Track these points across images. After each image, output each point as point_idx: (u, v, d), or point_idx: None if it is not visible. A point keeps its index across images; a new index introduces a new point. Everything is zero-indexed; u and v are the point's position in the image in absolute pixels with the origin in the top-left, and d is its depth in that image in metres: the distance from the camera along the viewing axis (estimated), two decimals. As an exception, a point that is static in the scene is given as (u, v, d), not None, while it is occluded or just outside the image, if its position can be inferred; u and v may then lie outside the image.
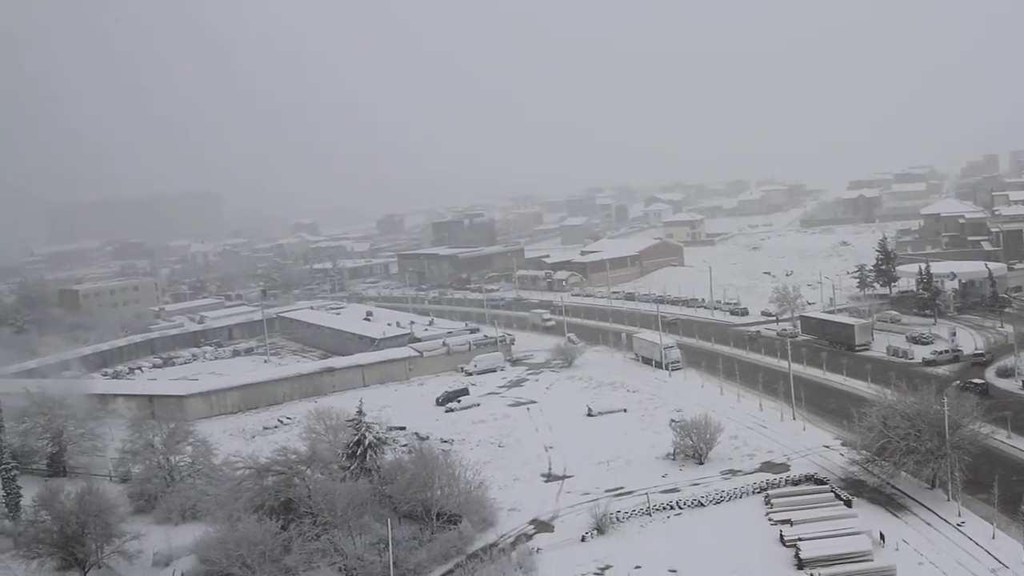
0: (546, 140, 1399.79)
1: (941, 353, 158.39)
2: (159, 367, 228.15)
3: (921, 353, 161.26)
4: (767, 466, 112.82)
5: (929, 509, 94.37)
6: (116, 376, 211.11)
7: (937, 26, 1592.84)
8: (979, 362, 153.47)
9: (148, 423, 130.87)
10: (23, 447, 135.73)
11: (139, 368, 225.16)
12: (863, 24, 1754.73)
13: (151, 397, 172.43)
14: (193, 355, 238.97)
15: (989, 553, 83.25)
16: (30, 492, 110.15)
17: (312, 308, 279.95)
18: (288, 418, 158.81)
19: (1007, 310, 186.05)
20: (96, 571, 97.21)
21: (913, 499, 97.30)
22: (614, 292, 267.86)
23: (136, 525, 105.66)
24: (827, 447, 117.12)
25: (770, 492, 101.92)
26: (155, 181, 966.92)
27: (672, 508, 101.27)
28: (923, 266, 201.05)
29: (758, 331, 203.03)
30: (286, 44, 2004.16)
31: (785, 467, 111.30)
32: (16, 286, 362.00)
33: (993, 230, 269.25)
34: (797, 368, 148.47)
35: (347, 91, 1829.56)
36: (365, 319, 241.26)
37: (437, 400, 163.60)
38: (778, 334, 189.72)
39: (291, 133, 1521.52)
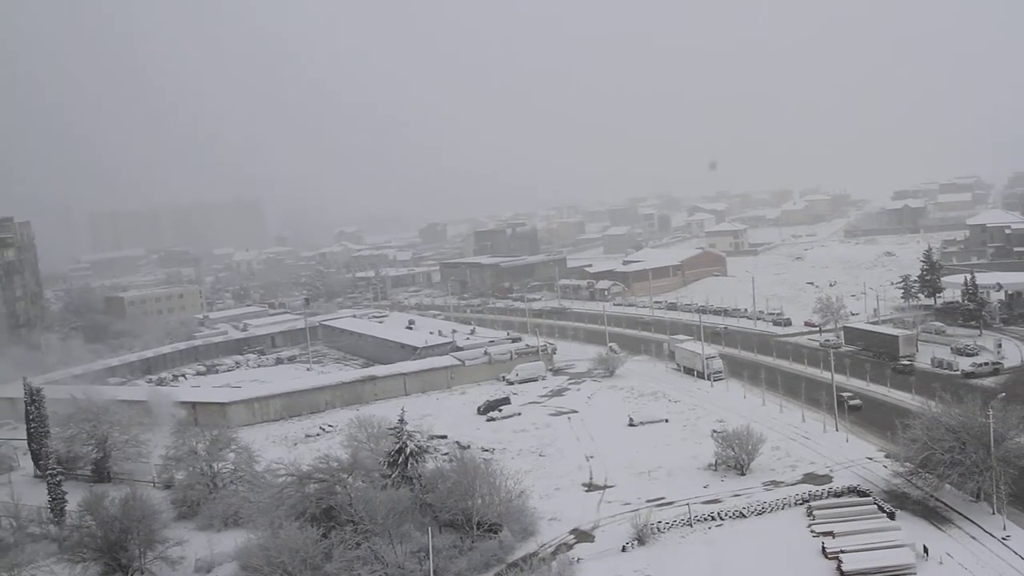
0: (589, 149, 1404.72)
1: (982, 365, 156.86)
2: (203, 374, 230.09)
3: (965, 365, 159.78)
4: (809, 477, 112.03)
5: (974, 522, 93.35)
6: (160, 383, 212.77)
7: (987, 30, 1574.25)
8: None
9: (191, 430, 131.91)
10: (68, 453, 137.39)
11: (183, 375, 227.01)
12: (907, 27, 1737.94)
13: (194, 404, 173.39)
14: (236, 363, 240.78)
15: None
16: (75, 497, 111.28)
17: (355, 316, 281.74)
18: (330, 426, 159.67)
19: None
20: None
21: (957, 512, 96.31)
22: (656, 302, 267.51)
23: (179, 531, 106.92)
24: (870, 459, 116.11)
25: (812, 504, 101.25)
26: (199, 189, 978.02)
27: (713, 519, 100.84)
28: (968, 277, 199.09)
29: (725, 327, 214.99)
30: (319, 51, 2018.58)
31: (828, 479, 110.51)
32: (62, 293, 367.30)
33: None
34: (840, 379, 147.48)
35: (391, 101, 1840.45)
36: (407, 328, 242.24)
37: (478, 409, 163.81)
38: (821, 345, 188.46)
39: (334, 143, 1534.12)
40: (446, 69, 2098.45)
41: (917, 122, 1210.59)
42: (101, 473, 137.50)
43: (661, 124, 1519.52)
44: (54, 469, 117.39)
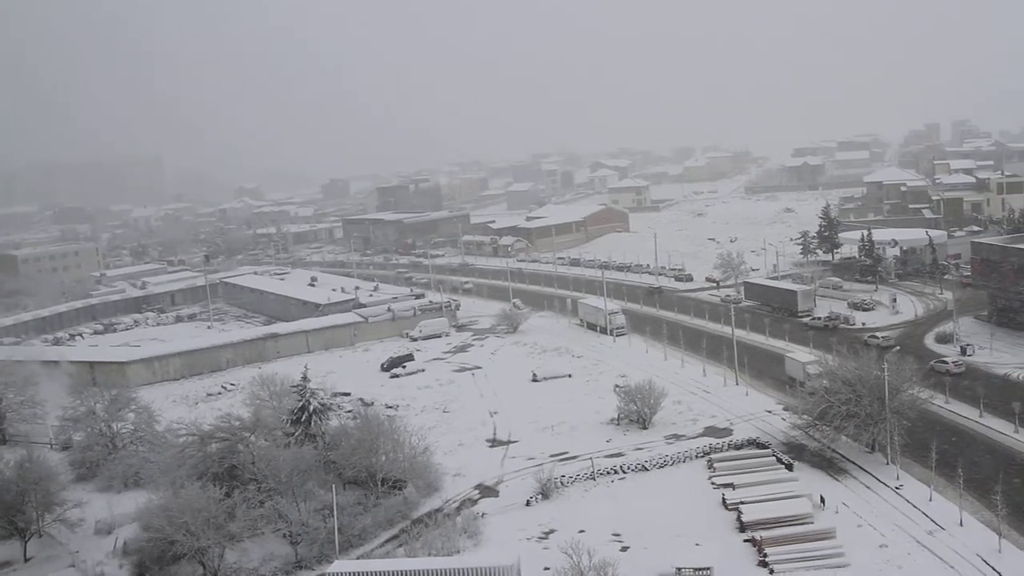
0: (492, 104, 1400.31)
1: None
2: (100, 333, 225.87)
3: (863, 319, 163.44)
4: (710, 431, 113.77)
5: (868, 473, 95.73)
6: (57, 342, 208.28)
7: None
8: None
9: (89, 390, 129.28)
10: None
11: (80, 334, 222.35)
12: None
13: (92, 364, 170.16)
14: (135, 321, 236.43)
15: (926, 515, 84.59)
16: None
17: (256, 273, 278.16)
18: (232, 384, 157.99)
19: (946, 277, 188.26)
20: (37, 539, 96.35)
21: (853, 463, 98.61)
22: (559, 258, 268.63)
23: (78, 493, 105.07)
24: (769, 412, 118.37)
25: (713, 456, 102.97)
26: (95, 144, 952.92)
27: (616, 472, 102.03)
28: (865, 233, 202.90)
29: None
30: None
31: (728, 432, 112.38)
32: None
33: (934, 198, 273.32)
34: (740, 334, 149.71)
35: (289, 49, 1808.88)
36: (309, 285, 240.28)
37: (382, 366, 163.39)
38: (722, 300, 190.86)
39: (232, 95, 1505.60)
40: (351, 20, 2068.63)
41: (814, 81, 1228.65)
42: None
43: (561, 80, 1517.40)
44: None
